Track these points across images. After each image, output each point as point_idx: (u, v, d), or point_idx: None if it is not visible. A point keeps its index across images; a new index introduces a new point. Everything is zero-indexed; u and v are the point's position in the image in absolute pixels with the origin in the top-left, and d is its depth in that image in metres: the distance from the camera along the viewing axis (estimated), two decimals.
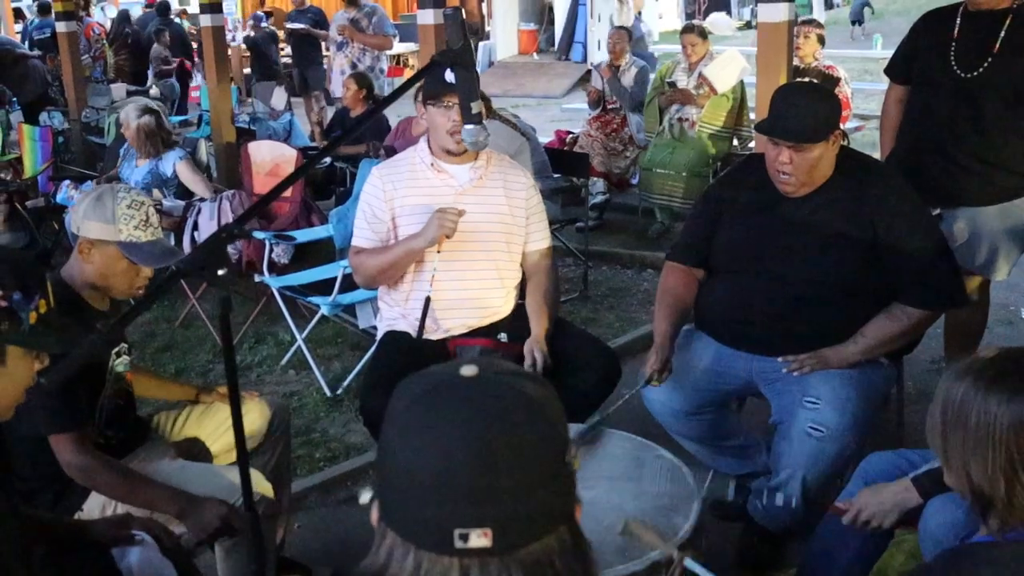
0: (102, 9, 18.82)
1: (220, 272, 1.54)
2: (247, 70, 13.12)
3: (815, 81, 6.17)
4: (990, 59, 3.40)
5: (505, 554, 1.03)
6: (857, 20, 18.73)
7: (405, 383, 1.11)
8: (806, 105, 2.81)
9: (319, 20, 10.25)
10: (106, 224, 2.49)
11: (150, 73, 12.45)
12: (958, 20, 3.50)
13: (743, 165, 3.22)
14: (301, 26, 10.46)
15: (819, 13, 18.82)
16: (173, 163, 5.75)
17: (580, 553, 1.09)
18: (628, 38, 7.62)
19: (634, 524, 2.16)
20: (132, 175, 5.76)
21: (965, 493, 1.63)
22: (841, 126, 2.88)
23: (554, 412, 1.08)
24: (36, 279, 1.78)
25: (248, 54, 12.44)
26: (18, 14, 16.45)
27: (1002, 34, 3.38)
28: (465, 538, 1.02)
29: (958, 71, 3.46)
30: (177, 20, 14.52)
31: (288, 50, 12.02)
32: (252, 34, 12.17)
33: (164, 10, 13.62)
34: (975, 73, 3.43)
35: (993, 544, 1.55)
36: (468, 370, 1.08)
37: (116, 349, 2.64)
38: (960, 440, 1.61)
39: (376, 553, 1.08)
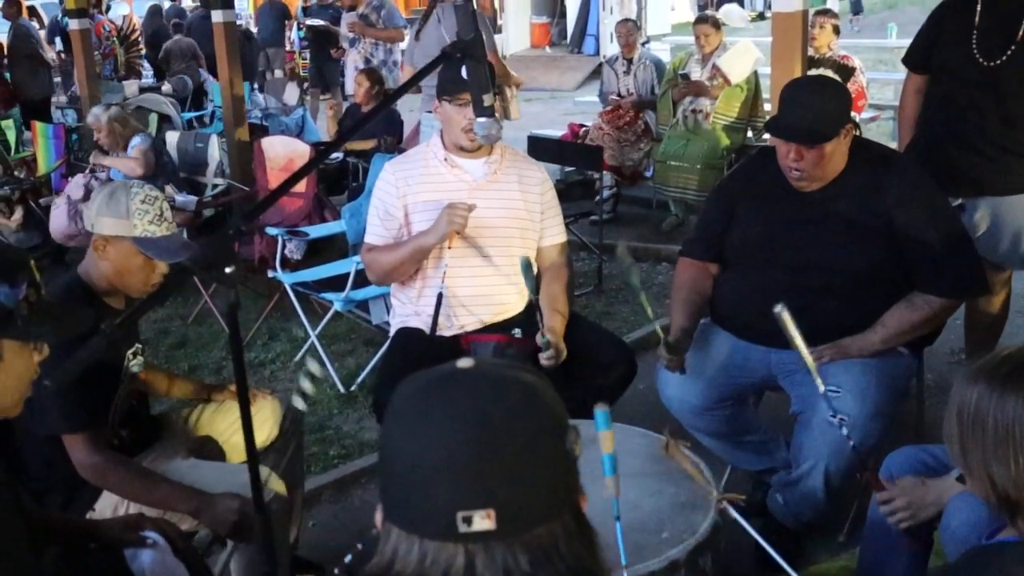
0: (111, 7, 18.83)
1: (228, 270, 1.51)
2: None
3: (827, 73, 6.11)
4: (1013, 47, 3.34)
5: (510, 537, 1.03)
6: (856, 10, 18.56)
7: (404, 382, 1.13)
8: (814, 103, 2.77)
9: (339, 16, 10.26)
10: (120, 220, 2.47)
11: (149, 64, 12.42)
12: (979, 7, 3.44)
13: (756, 158, 3.19)
14: (320, 22, 10.46)
15: (833, 2, 18.70)
16: (131, 147, 5.97)
17: (586, 540, 1.10)
18: (637, 29, 7.58)
19: (674, 447, 2.17)
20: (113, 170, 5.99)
21: (990, 499, 1.57)
22: (856, 116, 2.85)
23: (550, 397, 1.10)
24: (22, 269, 1.72)
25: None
26: (32, 12, 16.48)
27: None
28: (468, 521, 1.02)
29: (980, 59, 3.41)
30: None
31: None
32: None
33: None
34: (998, 61, 3.38)
35: (1022, 543, 1.51)
36: (464, 363, 1.11)
37: (131, 350, 2.62)
38: (979, 445, 1.56)
39: (381, 552, 1.09)
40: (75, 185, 5.96)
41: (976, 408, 1.56)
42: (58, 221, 5.83)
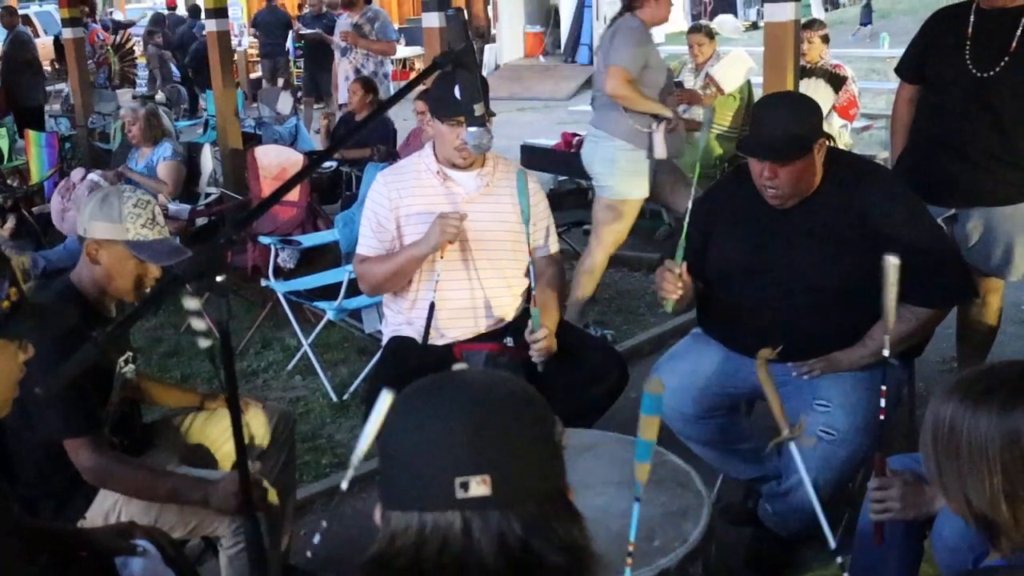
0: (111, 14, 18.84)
1: (219, 279, 1.51)
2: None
3: (820, 82, 6.13)
4: (1007, 58, 3.35)
5: (505, 507, 1.09)
6: (866, 22, 18.59)
7: (401, 392, 1.19)
8: (783, 121, 2.76)
9: (332, 26, 10.32)
10: (113, 223, 2.48)
11: (144, 74, 12.41)
12: (972, 18, 3.44)
13: (732, 176, 3.18)
14: (315, 30, 10.52)
15: (818, 11, 18.80)
16: (160, 158, 6.05)
17: (577, 523, 1.15)
18: None
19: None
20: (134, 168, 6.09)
21: (968, 519, 1.54)
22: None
23: (535, 394, 1.19)
24: (2, 267, 1.69)
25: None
26: (25, 21, 16.46)
27: (1019, 33, 3.34)
28: (466, 486, 1.08)
29: (973, 70, 3.41)
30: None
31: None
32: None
33: (196, 12, 13.66)
34: (991, 72, 3.38)
35: (1008, 568, 1.49)
36: (456, 367, 1.27)
37: (123, 357, 2.62)
38: (955, 465, 1.52)
39: (380, 540, 1.13)
40: (78, 170, 6.16)
41: (951, 427, 1.52)
42: (54, 198, 6.07)
